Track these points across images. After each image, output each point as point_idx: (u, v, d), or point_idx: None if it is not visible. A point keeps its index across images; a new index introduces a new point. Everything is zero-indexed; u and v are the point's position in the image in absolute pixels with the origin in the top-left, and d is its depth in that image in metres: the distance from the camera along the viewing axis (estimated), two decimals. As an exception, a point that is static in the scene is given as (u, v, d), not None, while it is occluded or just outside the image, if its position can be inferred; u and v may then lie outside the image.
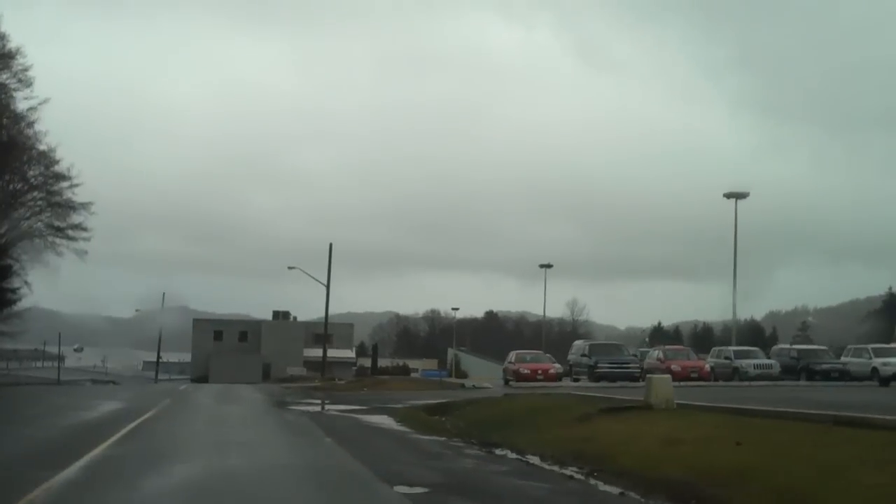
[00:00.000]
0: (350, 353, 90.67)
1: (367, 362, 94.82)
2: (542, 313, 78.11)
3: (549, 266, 72.89)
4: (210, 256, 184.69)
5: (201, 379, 73.40)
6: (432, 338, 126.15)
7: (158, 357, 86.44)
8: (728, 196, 45.33)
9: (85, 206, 51.89)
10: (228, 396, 34.48)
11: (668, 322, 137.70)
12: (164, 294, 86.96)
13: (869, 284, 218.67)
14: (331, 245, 61.49)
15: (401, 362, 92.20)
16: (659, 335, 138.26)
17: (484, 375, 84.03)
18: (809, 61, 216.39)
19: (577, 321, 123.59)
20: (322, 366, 65.29)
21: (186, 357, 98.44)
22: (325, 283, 60.52)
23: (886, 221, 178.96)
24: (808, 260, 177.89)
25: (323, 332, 78.72)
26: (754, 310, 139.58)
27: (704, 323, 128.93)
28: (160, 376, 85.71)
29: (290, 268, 62.34)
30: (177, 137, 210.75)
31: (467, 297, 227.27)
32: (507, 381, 39.74)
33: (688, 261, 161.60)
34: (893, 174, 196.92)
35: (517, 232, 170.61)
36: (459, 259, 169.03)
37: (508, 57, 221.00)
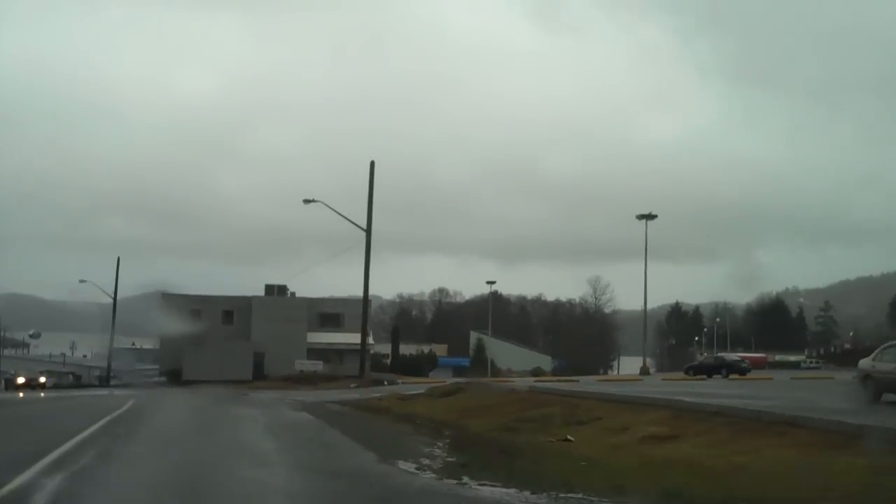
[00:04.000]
0: (368, 339, 73.92)
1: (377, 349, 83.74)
2: (644, 279, 57.43)
3: (651, 216, 58.32)
4: (184, 240, 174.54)
5: (174, 374, 59.99)
6: (437, 321, 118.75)
7: (111, 346, 70.84)
8: None
9: None
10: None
11: (654, 304, 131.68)
12: (118, 258, 73.20)
13: (853, 265, 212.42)
14: (372, 163, 50.16)
15: (425, 349, 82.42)
16: (677, 317, 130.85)
17: (514, 363, 75.17)
18: (787, 23, 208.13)
19: (600, 302, 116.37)
20: (361, 360, 50.78)
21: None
22: (365, 226, 49.48)
23: (869, 200, 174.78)
24: (785, 240, 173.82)
25: (331, 311, 68.52)
26: (745, 293, 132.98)
27: (725, 303, 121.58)
28: (129, 366, 72.15)
29: (306, 201, 50.41)
30: (132, 118, 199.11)
31: (452, 279, 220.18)
32: None
33: (666, 241, 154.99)
34: (876, 148, 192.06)
35: (490, 211, 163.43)
36: (436, 241, 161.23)
37: (465, 29, 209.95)
